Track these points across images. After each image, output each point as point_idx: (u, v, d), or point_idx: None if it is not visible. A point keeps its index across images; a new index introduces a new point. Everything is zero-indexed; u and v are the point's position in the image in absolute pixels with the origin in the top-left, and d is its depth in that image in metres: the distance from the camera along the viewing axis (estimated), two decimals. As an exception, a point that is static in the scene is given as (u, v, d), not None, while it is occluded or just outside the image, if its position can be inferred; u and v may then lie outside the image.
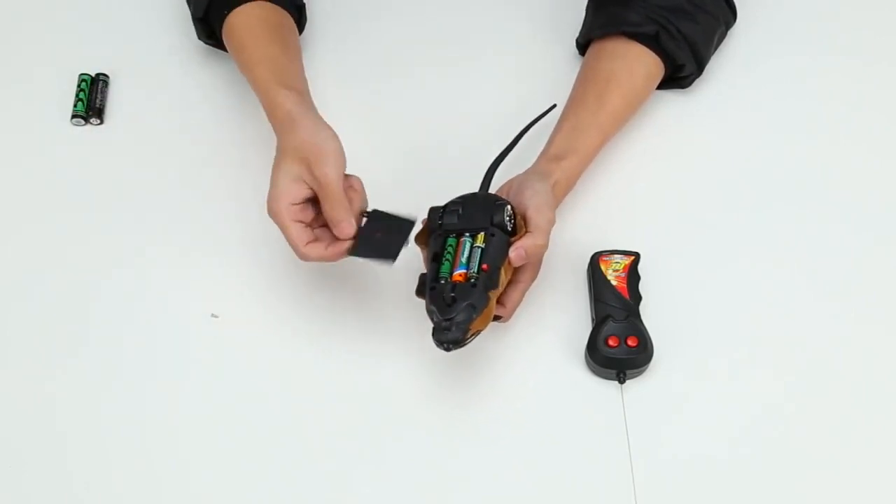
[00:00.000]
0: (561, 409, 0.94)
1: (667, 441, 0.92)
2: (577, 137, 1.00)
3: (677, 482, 0.90)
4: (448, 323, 0.85)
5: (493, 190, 0.96)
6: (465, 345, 0.86)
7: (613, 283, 0.96)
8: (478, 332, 0.87)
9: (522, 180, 0.95)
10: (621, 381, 0.94)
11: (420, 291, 0.90)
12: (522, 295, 0.93)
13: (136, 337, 0.97)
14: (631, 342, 0.93)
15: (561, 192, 0.98)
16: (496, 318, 0.90)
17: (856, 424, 0.93)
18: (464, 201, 0.92)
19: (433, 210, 0.92)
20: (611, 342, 0.93)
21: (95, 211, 1.04)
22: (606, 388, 0.94)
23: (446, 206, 0.92)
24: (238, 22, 1.02)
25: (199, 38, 1.10)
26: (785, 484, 0.90)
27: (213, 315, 0.98)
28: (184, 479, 0.91)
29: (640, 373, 0.94)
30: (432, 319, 0.87)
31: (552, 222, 0.92)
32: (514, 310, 0.93)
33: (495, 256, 0.88)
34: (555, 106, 1.05)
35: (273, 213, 0.91)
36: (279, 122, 0.94)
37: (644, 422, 0.92)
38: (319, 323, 0.98)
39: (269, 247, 1.01)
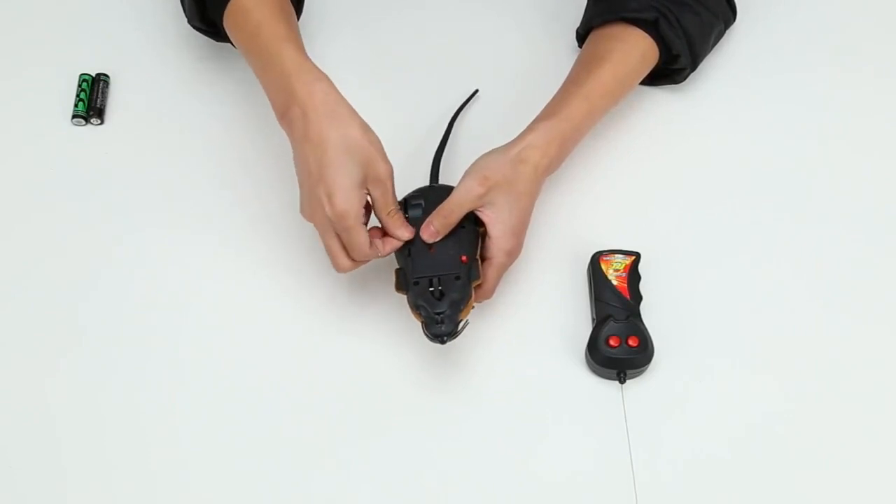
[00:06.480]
0: (561, 409, 0.94)
1: (667, 441, 0.92)
2: (557, 104, 0.98)
3: (677, 482, 0.90)
4: (441, 316, 0.86)
5: None
6: (458, 335, 0.87)
7: (614, 282, 0.96)
8: (466, 322, 0.88)
9: None
10: (622, 381, 0.94)
11: (400, 286, 0.90)
12: (498, 272, 0.93)
13: (135, 336, 0.97)
14: (632, 342, 0.93)
15: (537, 156, 0.94)
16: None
17: (856, 425, 0.93)
18: (423, 194, 0.93)
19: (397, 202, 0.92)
20: (611, 342, 0.93)
21: (95, 211, 1.04)
22: (607, 388, 0.94)
23: (407, 199, 0.93)
24: (248, 2, 0.94)
25: (191, 22, 1.02)
26: (785, 484, 0.90)
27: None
28: (181, 473, 0.91)
29: (640, 373, 0.94)
30: (421, 315, 0.88)
31: (469, 189, 0.91)
32: (493, 288, 0.93)
33: (470, 248, 0.90)
34: (477, 91, 1.08)
35: (341, 216, 0.86)
36: (316, 109, 0.87)
37: (644, 422, 0.92)
38: (319, 321, 0.98)
39: (268, 245, 1.01)
